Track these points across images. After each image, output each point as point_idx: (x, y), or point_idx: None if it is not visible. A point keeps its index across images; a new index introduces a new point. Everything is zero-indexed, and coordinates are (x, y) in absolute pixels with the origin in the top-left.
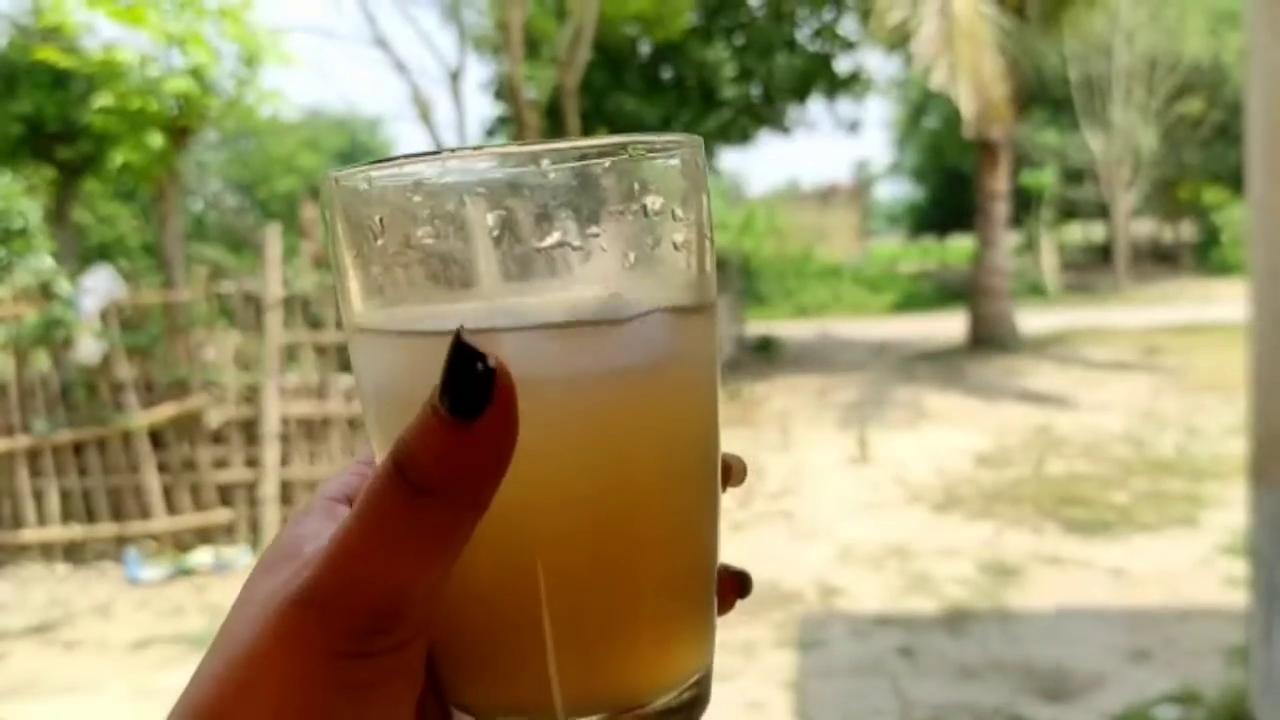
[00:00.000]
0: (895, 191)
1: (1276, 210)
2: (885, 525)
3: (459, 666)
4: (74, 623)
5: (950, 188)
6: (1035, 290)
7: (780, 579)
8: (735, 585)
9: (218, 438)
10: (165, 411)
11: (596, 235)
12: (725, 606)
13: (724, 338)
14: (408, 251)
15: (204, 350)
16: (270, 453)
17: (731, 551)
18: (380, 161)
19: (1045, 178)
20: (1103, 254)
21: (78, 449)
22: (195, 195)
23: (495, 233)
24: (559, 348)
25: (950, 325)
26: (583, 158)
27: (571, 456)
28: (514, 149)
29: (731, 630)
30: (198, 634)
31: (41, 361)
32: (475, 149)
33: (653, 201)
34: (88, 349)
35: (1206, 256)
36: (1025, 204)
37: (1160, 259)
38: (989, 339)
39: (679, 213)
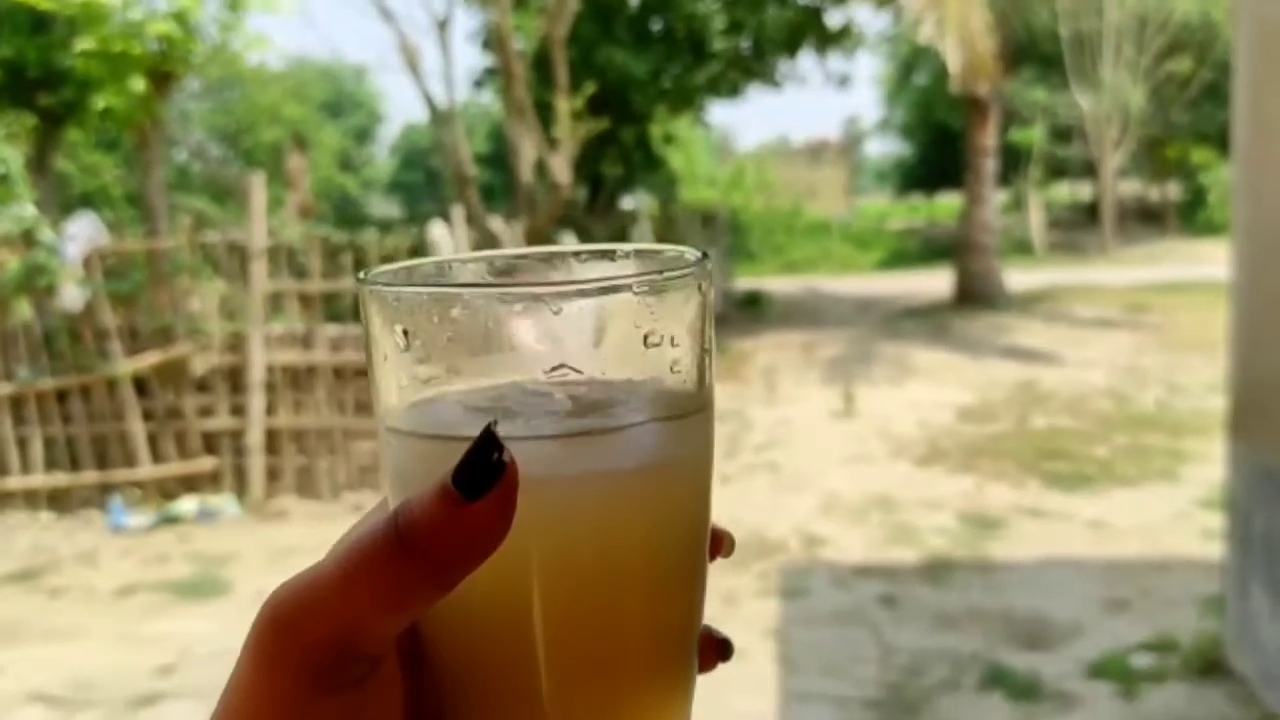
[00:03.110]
0: (884, 148)
1: (1261, 165)
2: (869, 478)
3: (465, 715)
4: (59, 570)
5: (939, 145)
6: (1022, 248)
7: (764, 530)
8: (717, 649)
9: (203, 386)
10: (150, 359)
11: (601, 366)
12: (707, 668)
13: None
14: (431, 361)
15: (189, 299)
16: (255, 401)
17: (718, 502)
18: (409, 264)
19: (1034, 135)
20: (1089, 213)
21: (61, 396)
22: (179, 145)
23: (508, 357)
24: (563, 453)
25: (937, 282)
26: (595, 293)
27: (568, 544)
28: (537, 273)
29: (716, 580)
30: (183, 581)
31: (24, 309)
32: (496, 258)
33: (656, 335)
34: (71, 296)
35: (1192, 217)
36: (1013, 162)
37: (1146, 218)
38: (975, 296)
39: (682, 340)
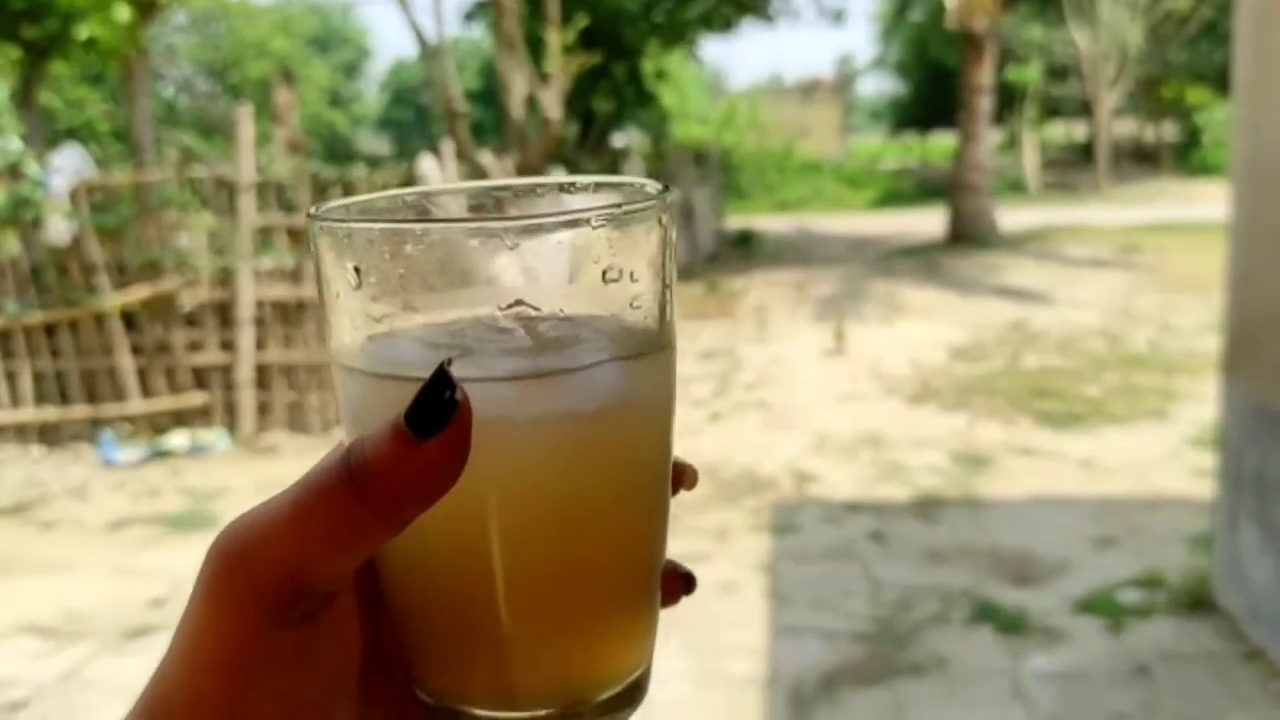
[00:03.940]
0: (878, 86)
1: (1262, 100)
2: (860, 416)
3: (423, 654)
4: (50, 503)
5: (934, 83)
6: (1016, 188)
7: (755, 467)
8: (680, 583)
9: (192, 321)
10: (138, 293)
11: (560, 302)
12: (670, 601)
13: (703, 231)
14: (385, 299)
15: (176, 234)
16: (245, 336)
17: (709, 440)
18: (360, 200)
19: (1029, 73)
20: (1084, 152)
21: (50, 330)
22: (166, 80)
23: (464, 293)
24: (520, 395)
25: (930, 222)
26: (553, 228)
27: (526, 486)
28: (489, 200)
29: (707, 515)
30: (175, 515)
31: (11, 243)
32: (451, 192)
33: (615, 270)
34: (58, 229)
35: (1187, 157)
36: (1009, 101)
37: (1141, 159)
38: (968, 235)
39: (643, 275)
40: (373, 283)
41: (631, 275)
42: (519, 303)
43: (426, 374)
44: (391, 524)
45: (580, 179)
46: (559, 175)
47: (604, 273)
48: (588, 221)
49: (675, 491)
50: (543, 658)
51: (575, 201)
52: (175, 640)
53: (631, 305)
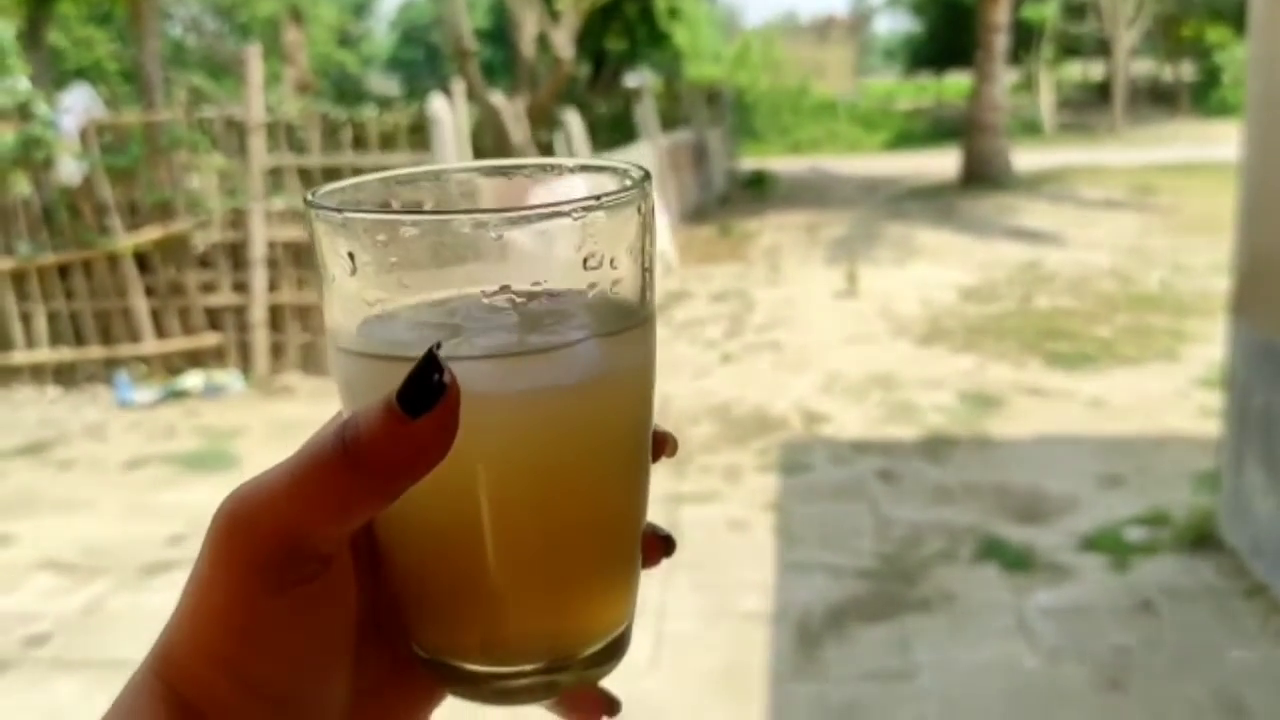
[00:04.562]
0: (893, 25)
1: (1275, 39)
2: (870, 357)
3: (418, 612)
4: (67, 443)
5: (950, 22)
6: (1031, 128)
7: (766, 407)
8: (660, 546)
9: (205, 262)
10: (150, 234)
11: (540, 285)
12: (651, 563)
13: (716, 172)
14: (378, 284)
15: (187, 175)
16: (258, 277)
17: (721, 381)
18: (356, 182)
19: (1047, 11)
20: (1101, 93)
21: (63, 271)
22: (173, 19)
23: (453, 279)
24: (506, 371)
25: (944, 162)
26: (536, 219)
27: (512, 457)
28: (478, 181)
29: (717, 455)
30: (191, 454)
31: (22, 183)
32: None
33: (597, 258)
34: (68, 170)
35: (1205, 97)
36: (1025, 41)
37: (1158, 99)
38: (982, 176)
39: (622, 260)
40: (367, 269)
41: (612, 261)
42: (505, 288)
43: (417, 354)
44: (383, 494)
45: (565, 161)
46: (541, 158)
47: (585, 260)
48: (569, 214)
49: (656, 458)
50: (531, 616)
51: (559, 184)
52: (182, 600)
53: (612, 287)
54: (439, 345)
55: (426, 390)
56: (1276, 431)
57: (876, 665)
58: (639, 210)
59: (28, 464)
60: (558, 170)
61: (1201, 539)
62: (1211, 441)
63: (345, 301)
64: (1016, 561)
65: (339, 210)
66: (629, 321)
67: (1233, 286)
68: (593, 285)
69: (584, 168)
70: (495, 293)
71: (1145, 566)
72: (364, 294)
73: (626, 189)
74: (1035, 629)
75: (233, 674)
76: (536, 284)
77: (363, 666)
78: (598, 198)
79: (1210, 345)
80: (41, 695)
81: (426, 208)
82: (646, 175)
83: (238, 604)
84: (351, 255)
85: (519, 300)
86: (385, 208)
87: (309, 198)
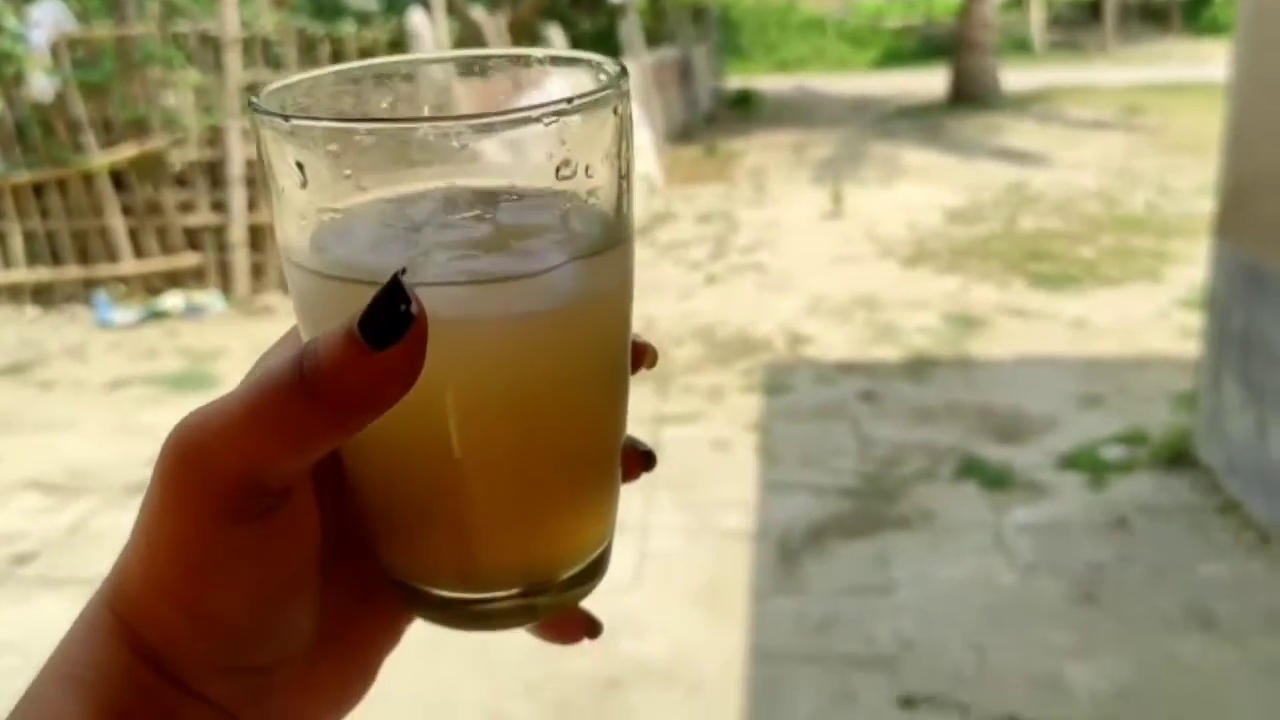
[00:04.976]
0: None
1: None
2: (855, 278)
3: (388, 539)
4: (48, 363)
5: None
6: (1021, 47)
7: (750, 328)
8: (640, 460)
9: (182, 181)
10: (125, 152)
11: (512, 193)
12: (631, 478)
13: (702, 91)
14: (330, 195)
15: (162, 92)
16: (237, 197)
17: (705, 302)
18: (306, 78)
19: None
20: (1092, 10)
21: (38, 190)
22: None
23: (417, 196)
24: (476, 298)
25: (933, 81)
26: (502, 126)
27: (483, 385)
28: (440, 74)
29: (701, 376)
30: (173, 375)
31: None
32: (389, 64)
33: (570, 167)
34: (40, 85)
35: (1197, 16)
36: None
37: (1150, 17)
38: (971, 95)
39: (598, 169)
40: (317, 180)
41: (587, 170)
42: (473, 193)
43: (379, 280)
44: (344, 428)
45: (535, 52)
46: (509, 49)
47: (558, 169)
48: (539, 119)
49: (635, 370)
50: (506, 542)
51: (528, 77)
52: (133, 535)
53: (587, 199)
54: (404, 271)
55: (392, 320)
56: (1254, 352)
57: (855, 581)
58: (615, 112)
59: (9, 384)
60: (525, 61)
61: (1178, 457)
62: (1191, 362)
63: (297, 214)
64: (995, 480)
65: (286, 118)
66: (607, 239)
67: (1216, 208)
68: (568, 198)
69: (554, 60)
70: (460, 197)
71: (1122, 484)
72: (317, 205)
73: (602, 88)
74: (1012, 545)
75: (187, 609)
76: (508, 191)
77: (326, 594)
78: (570, 100)
79: (1192, 267)
80: (27, 611)
81: (385, 108)
82: (623, 71)
83: (191, 538)
84: (301, 166)
85: (486, 213)
86: (340, 112)
87: (253, 101)
